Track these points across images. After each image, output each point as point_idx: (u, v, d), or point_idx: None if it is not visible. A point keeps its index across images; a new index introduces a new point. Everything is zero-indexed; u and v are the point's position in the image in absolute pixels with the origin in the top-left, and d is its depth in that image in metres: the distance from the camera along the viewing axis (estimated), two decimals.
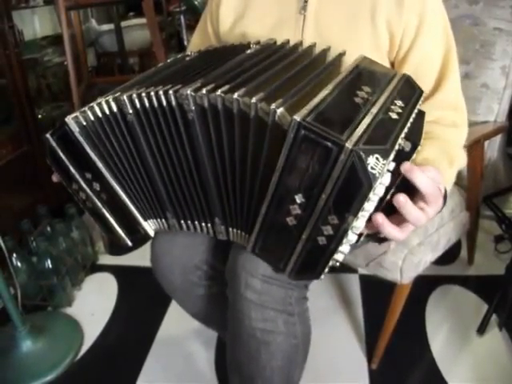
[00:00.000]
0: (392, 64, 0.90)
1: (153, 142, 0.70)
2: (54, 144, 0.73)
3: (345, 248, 0.62)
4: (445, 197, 0.71)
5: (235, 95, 0.60)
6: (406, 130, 0.59)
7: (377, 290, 1.59)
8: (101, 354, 1.43)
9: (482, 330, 1.41)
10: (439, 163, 0.75)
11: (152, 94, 0.65)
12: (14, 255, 1.50)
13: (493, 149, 1.70)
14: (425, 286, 1.60)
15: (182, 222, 0.78)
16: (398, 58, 0.87)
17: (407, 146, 0.59)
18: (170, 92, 0.63)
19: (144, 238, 0.84)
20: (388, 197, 0.59)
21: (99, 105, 0.69)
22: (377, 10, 0.83)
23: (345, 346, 1.40)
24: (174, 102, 0.64)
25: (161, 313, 1.57)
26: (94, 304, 1.62)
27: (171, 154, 0.70)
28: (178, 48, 2.92)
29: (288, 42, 0.85)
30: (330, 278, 1.72)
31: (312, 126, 0.54)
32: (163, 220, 0.80)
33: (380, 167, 0.53)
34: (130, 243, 0.83)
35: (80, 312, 1.57)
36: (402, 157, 0.59)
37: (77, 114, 0.70)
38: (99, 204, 0.77)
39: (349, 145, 0.52)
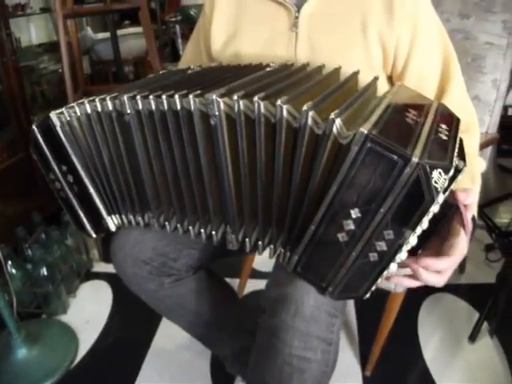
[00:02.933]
0: (390, 77, 0.92)
1: (151, 139, 0.73)
2: (38, 135, 0.79)
3: (393, 268, 0.61)
4: (474, 220, 0.73)
5: (278, 102, 0.60)
6: (456, 149, 0.60)
7: (370, 299, 1.61)
8: (96, 361, 1.43)
9: (473, 337, 1.44)
10: (465, 183, 0.76)
11: (164, 97, 0.67)
12: (9, 262, 1.50)
13: (484, 159, 1.73)
14: (417, 294, 1.61)
15: (167, 223, 0.82)
16: (397, 71, 0.88)
17: (461, 165, 0.60)
18: (190, 96, 0.65)
19: (108, 231, 0.90)
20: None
21: (91, 102, 0.74)
22: (368, 24, 0.84)
23: (339, 354, 1.41)
24: (193, 107, 0.65)
25: (156, 320, 1.57)
26: (88, 311, 1.62)
27: (174, 159, 0.72)
28: (172, 57, 2.94)
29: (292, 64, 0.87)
30: None
31: (378, 138, 0.54)
32: (139, 217, 0.84)
33: (442, 182, 0.54)
34: (93, 235, 0.89)
35: (75, 319, 1.57)
36: (455, 176, 0.60)
37: (63, 109, 0.77)
38: (70, 195, 0.83)
39: (415, 158, 0.52)
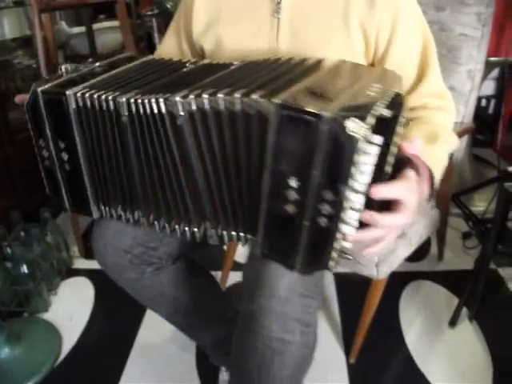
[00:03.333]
0: (371, 65, 0.93)
1: (141, 145, 0.72)
2: (41, 101, 0.76)
3: (349, 230, 0.61)
4: (431, 176, 0.75)
5: (220, 95, 0.63)
6: (384, 101, 0.61)
7: (351, 288, 1.64)
8: (80, 358, 1.41)
9: (453, 322, 1.48)
10: (424, 143, 0.77)
11: (146, 101, 0.68)
12: None
13: (459, 149, 1.78)
14: (397, 281, 1.65)
15: (156, 222, 0.81)
16: (377, 58, 0.89)
17: (387, 113, 0.60)
18: (161, 99, 0.66)
19: (84, 214, 0.89)
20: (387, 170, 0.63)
21: (99, 98, 0.72)
22: (349, 12, 0.85)
23: (323, 343, 1.43)
24: (163, 109, 0.67)
25: (139, 315, 1.56)
26: (71, 308, 1.60)
27: (158, 158, 0.71)
28: (148, 50, 2.91)
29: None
30: None
31: (290, 104, 0.57)
32: (119, 211, 0.84)
33: (360, 130, 0.55)
34: (69, 210, 0.88)
35: (57, 317, 1.55)
36: (385, 127, 0.61)
37: (78, 92, 0.74)
38: (58, 170, 0.83)
39: (326, 114, 0.55)
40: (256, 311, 0.79)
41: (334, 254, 0.65)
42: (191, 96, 0.64)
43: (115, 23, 2.29)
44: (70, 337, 1.48)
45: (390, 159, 0.65)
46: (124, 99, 0.70)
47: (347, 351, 1.40)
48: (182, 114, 0.65)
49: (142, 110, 0.69)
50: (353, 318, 1.38)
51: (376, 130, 0.57)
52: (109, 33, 2.26)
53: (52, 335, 1.45)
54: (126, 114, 0.71)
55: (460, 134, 1.50)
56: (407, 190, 0.64)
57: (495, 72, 2.36)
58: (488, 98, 2.46)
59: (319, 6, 0.88)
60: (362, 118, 0.56)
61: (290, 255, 0.68)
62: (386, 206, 0.65)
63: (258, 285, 0.79)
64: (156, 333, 1.49)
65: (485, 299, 1.47)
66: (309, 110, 0.56)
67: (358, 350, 1.36)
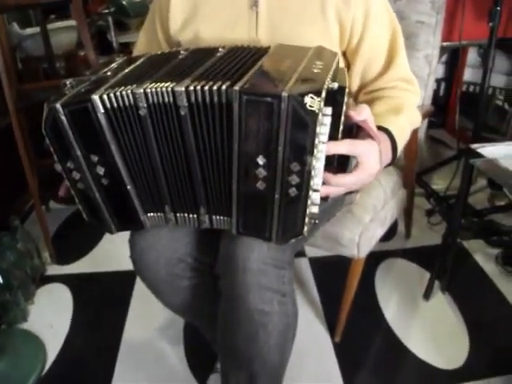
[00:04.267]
0: (343, 53, 0.97)
1: (159, 136, 0.72)
2: (62, 116, 0.69)
3: (316, 197, 0.68)
4: (393, 142, 0.83)
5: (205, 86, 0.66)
6: (329, 75, 0.67)
7: (327, 270, 1.70)
8: (67, 365, 1.39)
9: (427, 295, 1.56)
10: (387, 116, 0.86)
11: (158, 90, 0.67)
12: None
13: (420, 131, 1.86)
14: (371, 261, 1.71)
15: (179, 215, 0.81)
16: (351, 47, 0.94)
17: (334, 86, 0.66)
18: (170, 89, 0.67)
19: (134, 229, 0.87)
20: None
21: (121, 94, 0.69)
22: (327, 3, 0.89)
23: (307, 326, 1.48)
24: (171, 100, 0.67)
25: (121, 316, 1.55)
26: (50, 316, 1.56)
27: (170, 149, 0.72)
28: (101, 49, 2.84)
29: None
30: None
31: (249, 90, 0.62)
32: (161, 214, 0.82)
33: (317, 104, 0.61)
34: (115, 232, 0.82)
35: (38, 326, 1.51)
36: (334, 98, 0.67)
37: (104, 95, 0.68)
38: (95, 188, 0.76)
39: (285, 93, 0.60)
40: (232, 286, 0.84)
41: (307, 220, 0.71)
42: (192, 87, 0.66)
43: (68, 23, 2.24)
44: (54, 344, 1.45)
45: (341, 127, 0.71)
46: (182, 88, 0.66)
47: (331, 331, 1.45)
48: (185, 104, 0.67)
49: (155, 101, 0.68)
50: (332, 299, 1.43)
51: (326, 102, 0.63)
52: (62, 33, 2.20)
53: (35, 345, 1.42)
54: (145, 105, 0.69)
55: (423, 117, 1.57)
56: (363, 151, 0.72)
57: (444, 56, 2.48)
58: (438, 81, 2.58)
59: None
60: (317, 93, 0.61)
61: (265, 229, 0.73)
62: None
63: (231, 261, 0.84)
64: (141, 332, 1.49)
65: (453, 271, 1.56)
66: (268, 92, 0.61)
67: (342, 329, 1.41)
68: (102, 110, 0.69)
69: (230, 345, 0.90)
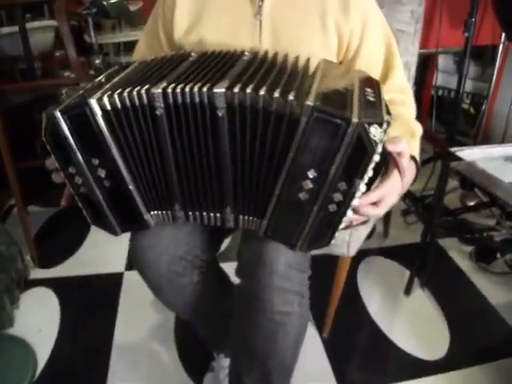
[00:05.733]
0: (340, 63, 1.02)
1: (177, 135, 0.73)
2: (61, 123, 0.70)
3: (349, 213, 0.72)
4: (417, 164, 0.87)
5: (261, 92, 0.67)
6: (383, 107, 0.71)
7: (312, 268, 1.74)
8: (59, 370, 1.38)
9: (408, 291, 1.64)
10: (406, 139, 0.87)
11: (187, 90, 0.69)
12: None
13: None
14: (352, 260, 1.78)
15: (190, 213, 0.82)
16: (348, 58, 0.98)
17: (389, 119, 0.70)
18: (204, 90, 0.68)
19: (138, 228, 0.86)
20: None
21: (130, 94, 0.70)
22: (327, 14, 0.93)
23: None
24: (206, 100, 0.69)
25: (110, 318, 1.55)
26: (37, 320, 1.54)
27: (193, 147, 0.74)
28: (79, 50, 2.78)
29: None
30: None
31: (322, 108, 0.64)
32: (168, 212, 0.83)
33: (379, 135, 0.65)
34: (119, 233, 0.84)
35: (25, 330, 1.49)
36: (387, 128, 0.70)
37: (102, 96, 0.70)
38: (97, 191, 0.77)
39: (355, 119, 0.63)
40: (257, 288, 0.85)
41: (336, 234, 0.75)
42: (235, 90, 0.68)
43: (48, 23, 2.20)
44: (43, 349, 1.43)
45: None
46: (160, 90, 0.69)
47: (319, 328, 1.50)
48: (223, 105, 0.69)
49: (180, 101, 0.70)
50: (318, 296, 1.47)
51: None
52: (38, 33, 2.16)
53: (24, 349, 1.40)
54: (162, 105, 0.71)
55: None
56: (389, 191, 0.75)
57: None
58: None
59: (297, 6, 0.94)
60: (380, 125, 0.65)
61: (293, 236, 0.76)
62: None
63: (257, 263, 0.85)
64: (132, 334, 1.50)
65: (431, 268, 1.64)
66: (340, 114, 0.64)
67: (330, 325, 1.47)
68: (100, 113, 0.70)
69: (246, 344, 0.92)
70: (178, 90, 0.69)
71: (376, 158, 0.67)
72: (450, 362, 1.37)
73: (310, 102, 0.64)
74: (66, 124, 0.70)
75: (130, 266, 1.79)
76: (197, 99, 0.69)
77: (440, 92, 2.61)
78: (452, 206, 2.04)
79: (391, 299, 1.63)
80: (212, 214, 0.83)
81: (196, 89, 0.69)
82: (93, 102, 0.70)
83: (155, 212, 0.84)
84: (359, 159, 0.66)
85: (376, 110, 0.68)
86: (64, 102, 0.71)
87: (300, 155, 0.67)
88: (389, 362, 1.40)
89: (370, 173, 0.69)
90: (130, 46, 2.38)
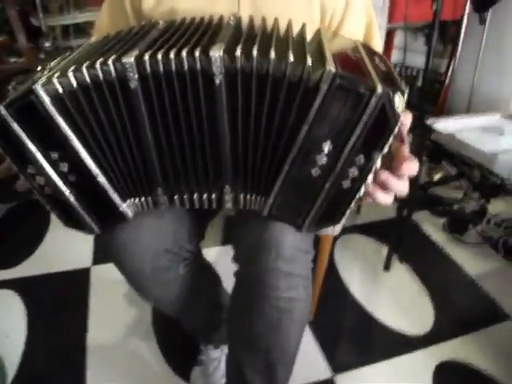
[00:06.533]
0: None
1: (158, 112, 0.65)
2: (8, 118, 0.61)
3: (362, 192, 0.66)
4: None
5: (271, 55, 0.60)
6: (396, 75, 0.66)
7: None
8: (32, 378, 1.27)
9: (387, 266, 1.64)
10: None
11: (171, 57, 0.60)
12: None
13: None
14: None
15: (176, 196, 0.74)
16: (330, 30, 0.93)
17: (407, 89, 0.65)
18: (197, 54, 0.60)
19: (115, 222, 0.76)
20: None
21: (90, 69, 0.61)
22: None
23: None
24: (197, 66, 0.61)
25: (82, 317, 1.45)
26: (3, 325, 1.42)
27: (180, 124, 0.66)
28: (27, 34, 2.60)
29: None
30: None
31: (345, 75, 0.58)
32: (148, 198, 0.74)
33: (401, 105, 0.59)
34: (98, 231, 0.75)
35: None
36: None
37: (50, 79, 0.60)
38: (63, 188, 0.68)
39: (380, 89, 0.57)
40: (261, 273, 0.79)
41: (348, 211, 0.69)
42: (237, 53, 0.61)
43: None
44: (13, 355, 1.32)
45: None
46: (132, 60, 0.60)
47: None
48: (221, 71, 0.61)
49: (161, 70, 0.61)
50: None
51: None
52: None
53: None
54: (137, 76, 0.62)
55: None
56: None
57: None
58: None
59: None
60: (403, 94, 0.60)
61: (300, 215, 0.70)
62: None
63: (261, 248, 0.79)
64: (107, 330, 1.41)
65: (408, 242, 1.65)
66: (364, 82, 0.58)
67: (315, 307, 1.44)
68: (48, 99, 0.60)
69: (248, 334, 0.86)
70: (159, 56, 0.61)
71: (397, 129, 0.61)
72: (437, 334, 1.38)
73: (332, 68, 0.57)
74: (14, 118, 0.61)
75: (96, 260, 1.69)
76: (185, 66, 0.61)
77: (397, 69, 2.62)
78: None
79: (371, 275, 1.62)
80: (205, 196, 0.74)
81: (184, 54, 0.60)
82: (38, 87, 0.59)
83: (132, 200, 0.74)
84: (380, 131, 0.60)
85: (392, 78, 0.63)
86: (11, 96, 0.61)
87: (316, 127, 0.61)
88: (377, 340, 1.39)
89: (387, 147, 0.63)
90: (79, 29, 2.22)
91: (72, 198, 0.69)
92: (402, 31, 2.36)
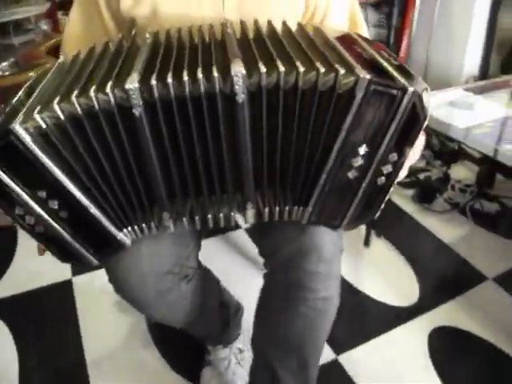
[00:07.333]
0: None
1: (167, 135, 0.64)
2: None
3: (395, 183, 0.69)
4: None
5: (300, 68, 0.60)
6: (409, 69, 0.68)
7: None
8: None
9: (367, 242, 1.70)
10: None
11: (185, 79, 0.59)
12: None
13: None
14: None
15: (185, 218, 0.73)
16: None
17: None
18: (215, 74, 0.59)
19: (113, 252, 0.75)
20: None
21: (81, 98, 0.59)
22: None
23: None
24: (216, 87, 0.60)
25: (74, 333, 1.40)
26: None
27: (193, 146, 0.65)
28: None
29: None
30: (220, 240, 1.77)
31: (378, 80, 0.60)
32: (151, 224, 0.73)
33: (428, 102, 0.62)
34: (96, 262, 0.74)
35: None
36: None
37: (33, 115, 0.58)
38: (56, 225, 0.67)
39: (411, 88, 0.59)
40: (302, 278, 0.80)
41: (383, 205, 0.72)
42: (262, 68, 0.60)
43: None
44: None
45: None
46: (136, 85, 0.58)
47: None
48: (244, 91, 0.60)
49: (172, 93, 0.60)
50: None
51: None
52: None
53: None
54: (141, 103, 0.60)
55: None
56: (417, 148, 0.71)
57: None
58: None
59: None
60: (427, 89, 0.62)
61: (337, 217, 0.72)
62: None
63: (302, 254, 0.80)
64: (103, 342, 1.38)
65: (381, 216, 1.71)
66: (396, 85, 0.59)
67: None
68: (28, 137, 0.58)
69: (281, 336, 0.87)
70: (169, 79, 0.59)
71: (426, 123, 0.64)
72: (424, 303, 1.45)
73: (367, 75, 0.59)
74: None
75: (76, 270, 1.63)
76: (201, 88, 0.60)
77: None
78: None
79: (353, 253, 1.68)
80: (221, 215, 0.74)
81: (200, 75, 0.59)
82: (16, 127, 0.57)
83: (130, 228, 0.73)
84: (412, 127, 0.63)
85: (408, 74, 0.64)
86: None
87: (352, 134, 0.63)
88: (370, 316, 1.45)
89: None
90: (20, 26, 2.05)
91: (66, 234, 0.68)
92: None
